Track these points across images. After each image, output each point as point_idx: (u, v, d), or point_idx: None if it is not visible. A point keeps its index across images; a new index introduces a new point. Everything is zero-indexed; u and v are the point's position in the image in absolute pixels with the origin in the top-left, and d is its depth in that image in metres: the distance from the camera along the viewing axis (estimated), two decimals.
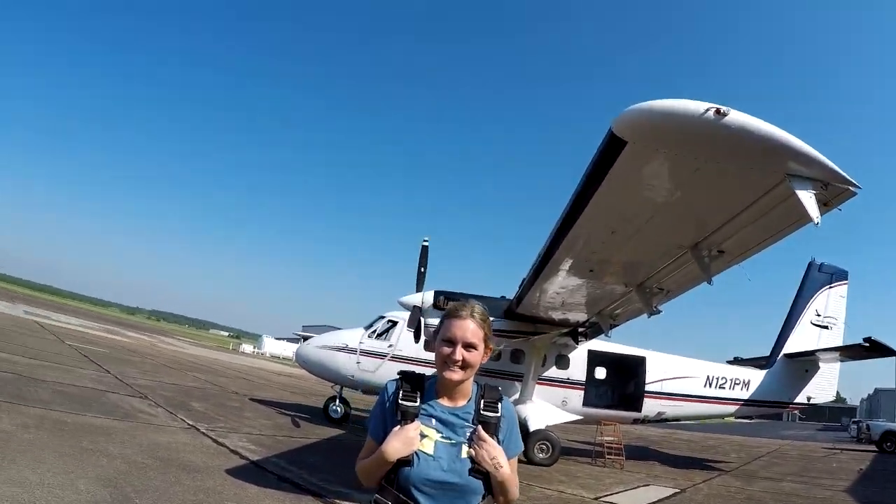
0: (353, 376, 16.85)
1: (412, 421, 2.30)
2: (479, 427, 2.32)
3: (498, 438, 2.35)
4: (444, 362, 2.34)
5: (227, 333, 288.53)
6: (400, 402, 2.34)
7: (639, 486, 12.61)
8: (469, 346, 2.34)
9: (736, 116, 5.20)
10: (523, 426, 15.12)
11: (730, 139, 5.46)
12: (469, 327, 2.35)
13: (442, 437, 2.31)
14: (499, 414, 2.39)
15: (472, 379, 2.41)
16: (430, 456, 2.26)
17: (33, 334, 27.33)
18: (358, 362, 16.77)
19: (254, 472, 8.73)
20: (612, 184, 6.75)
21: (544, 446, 14.44)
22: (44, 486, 6.02)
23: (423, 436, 2.28)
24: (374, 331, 17.20)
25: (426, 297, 14.51)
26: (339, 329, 18.56)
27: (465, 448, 2.29)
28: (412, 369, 2.58)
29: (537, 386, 16.00)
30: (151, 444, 9.26)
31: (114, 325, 74.92)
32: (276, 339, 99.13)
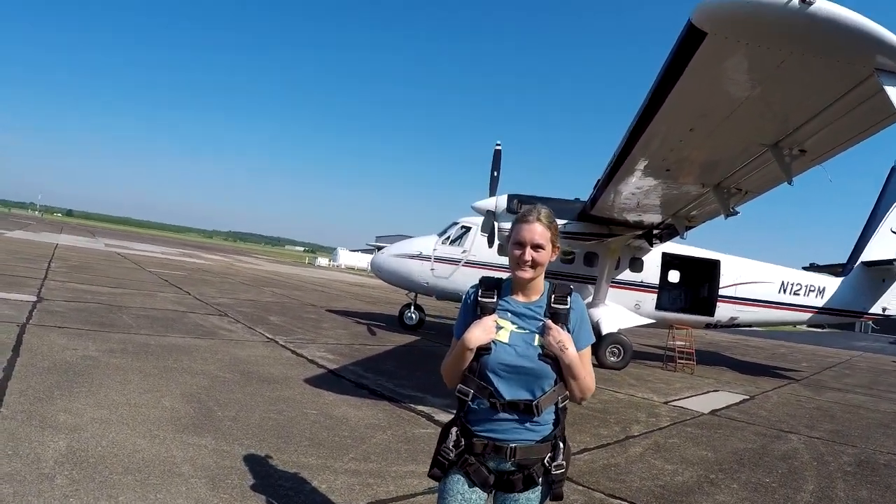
0: (427, 283, 17.00)
1: (490, 314, 2.60)
2: (549, 318, 2.59)
3: (568, 328, 2.58)
4: (517, 263, 2.60)
5: (302, 249, 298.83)
6: (479, 299, 2.64)
7: (708, 392, 12.79)
8: (537, 247, 2.58)
9: (822, 5, 5.02)
10: (596, 329, 15.48)
11: (815, 30, 5.30)
12: (537, 230, 2.60)
13: (517, 327, 2.58)
14: (567, 306, 2.62)
15: (542, 277, 2.68)
16: (506, 344, 2.53)
17: (115, 265, 28.08)
18: (432, 269, 16.88)
19: (331, 381, 9.06)
20: (690, 78, 6.62)
21: (616, 349, 14.66)
22: (130, 405, 6.25)
23: (499, 328, 2.55)
24: (448, 237, 17.21)
25: (500, 202, 14.61)
26: (413, 237, 18.56)
27: (537, 337, 2.55)
28: (486, 274, 2.98)
29: (610, 289, 15.99)
30: (232, 359, 9.65)
31: (192, 249, 78.26)
32: (351, 250, 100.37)
